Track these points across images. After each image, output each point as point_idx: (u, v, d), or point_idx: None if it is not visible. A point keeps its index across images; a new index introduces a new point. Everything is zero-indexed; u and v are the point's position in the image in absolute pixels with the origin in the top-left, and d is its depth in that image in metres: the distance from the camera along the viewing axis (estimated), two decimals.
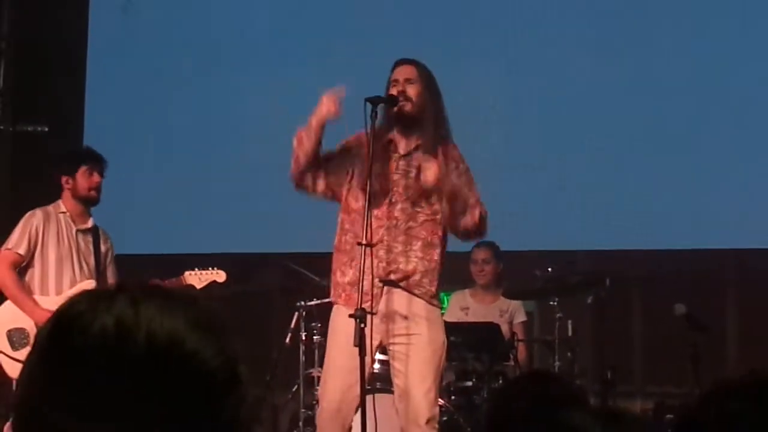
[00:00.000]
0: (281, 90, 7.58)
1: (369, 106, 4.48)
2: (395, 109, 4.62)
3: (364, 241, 4.41)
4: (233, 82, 7.76)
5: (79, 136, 7.89)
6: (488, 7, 7.51)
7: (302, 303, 6.24)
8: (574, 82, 7.24)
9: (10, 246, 5.67)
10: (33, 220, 5.72)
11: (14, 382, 5.52)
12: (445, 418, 5.46)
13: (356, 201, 4.61)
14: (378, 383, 5.26)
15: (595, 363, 6.52)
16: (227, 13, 7.92)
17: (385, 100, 4.59)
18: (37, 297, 5.63)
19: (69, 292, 5.61)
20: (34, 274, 5.68)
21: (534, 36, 7.36)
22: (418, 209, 4.61)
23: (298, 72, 7.54)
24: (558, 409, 2.22)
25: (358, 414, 4.49)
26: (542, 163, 7.23)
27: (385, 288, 4.57)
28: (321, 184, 4.71)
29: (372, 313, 4.41)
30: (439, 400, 4.90)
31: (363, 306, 4.30)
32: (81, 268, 5.71)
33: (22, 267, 5.69)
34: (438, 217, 4.62)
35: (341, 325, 4.47)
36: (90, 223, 5.84)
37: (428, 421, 4.47)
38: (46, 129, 7.80)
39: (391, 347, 4.60)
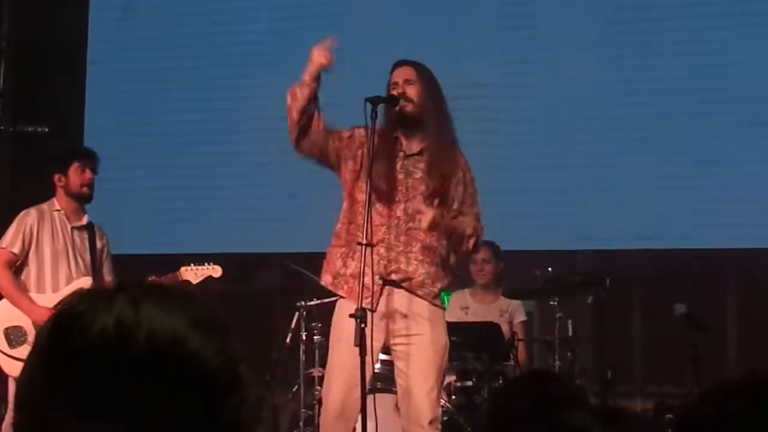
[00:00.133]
0: (281, 90, 7.57)
1: (369, 106, 4.48)
2: (397, 110, 4.61)
3: (364, 241, 4.40)
4: (233, 81, 7.76)
5: (79, 136, 7.90)
6: (489, 8, 7.51)
7: (302, 303, 6.23)
8: (574, 82, 7.23)
9: (4, 245, 5.67)
10: (27, 219, 5.72)
11: (11, 380, 5.53)
12: (445, 418, 5.45)
13: (361, 193, 4.59)
14: (379, 383, 5.26)
15: (595, 363, 6.52)
16: (227, 12, 7.92)
17: (385, 100, 4.59)
18: (33, 295, 5.63)
19: (65, 289, 5.62)
20: (30, 273, 5.68)
21: (534, 36, 7.37)
22: (418, 210, 4.61)
23: (299, 72, 7.53)
24: (558, 409, 2.22)
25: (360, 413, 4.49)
26: (542, 162, 7.23)
27: (387, 287, 4.57)
28: (317, 147, 4.66)
29: (372, 311, 4.42)
30: (441, 400, 4.89)
31: (364, 304, 4.30)
32: (77, 265, 5.72)
33: (17, 266, 5.69)
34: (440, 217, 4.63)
35: (344, 324, 4.46)
36: (85, 220, 5.84)
37: (431, 422, 4.47)
38: (46, 129, 7.81)
39: (394, 347, 4.60)
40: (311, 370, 6.13)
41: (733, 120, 7.00)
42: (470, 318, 6.65)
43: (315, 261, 6.38)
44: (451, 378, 5.98)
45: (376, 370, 4.99)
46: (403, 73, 4.69)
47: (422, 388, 4.49)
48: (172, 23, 8.00)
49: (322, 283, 4.80)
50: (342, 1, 7.83)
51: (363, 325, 4.27)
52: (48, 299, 5.59)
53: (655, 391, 7.05)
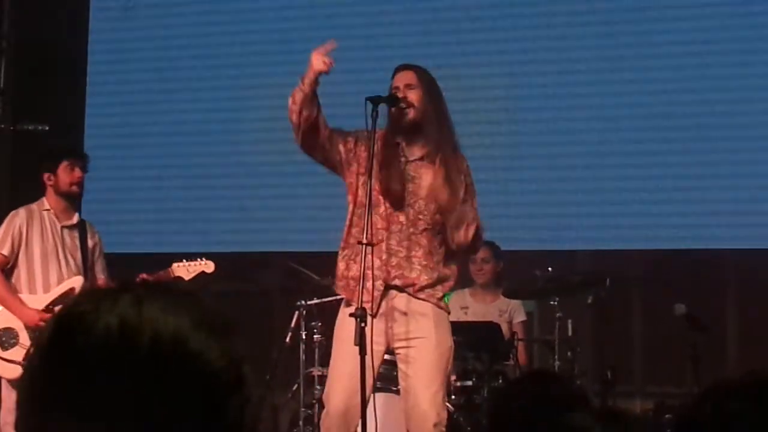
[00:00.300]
0: (282, 89, 7.57)
1: (370, 105, 4.48)
2: (397, 115, 4.60)
3: (365, 240, 4.41)
4: (234, 81, 7.76)
5: (79, 135, 7.90)
6: (491, 9, 7.51)
7: (302, 302, 6.24)
8: (575, 82, 7.23)
9: None
10: (16, 219, 5.70)
11: (4, 382, 5.51)
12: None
13: (365, 197, 4.59)
14: (379, 383, 5.26)
15: (595, 363, 6.52)
16: (228, 12, 7.92)
17: (386, 99, 4.59)
18: (25, 296, 5.61)
19: (56, 289, 5.61)
20: (21, 274, 5.66)
21: (535, 36, 7.36)
22: (420, 217, 4.61)
23: (300, 71, 7.53)
24: (558, 410, 2.22)
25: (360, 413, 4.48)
26: (543, 162, 7.23)
27: (389, 291, 4.57)
28: (329, 157, 4.68)
29: (372, 315, 4.42)
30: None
31: (364, 306, 4.31)
32: (68, 264, 5.69)
33: (8, 268, 5.67)
34: (437, 227, 4.62)
35: (346, 326, 4.46)
36: (75, 219, 5.82)
37: (435, 425, 4.46)
38: (47, 128, 7.80)
39: (397, 350, 4.59)
40: (311, 370, 6.13)
41: (734, 120, 7.00)
42: (470, 318, 6.65)
43: (315, 260, 6.40)
44: (451, 377, 5.98)
45: (379, 371, 4.98)
46: (404, 78, 4.69)
47: (427, 392, 4.48)
48: (172, 22, 8.00)
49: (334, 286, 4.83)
50: (343, 1, 7.82)
51: (363, 324, 4.27)
52: (39, 300, 5.58)
53: (655, 391, 7.05)
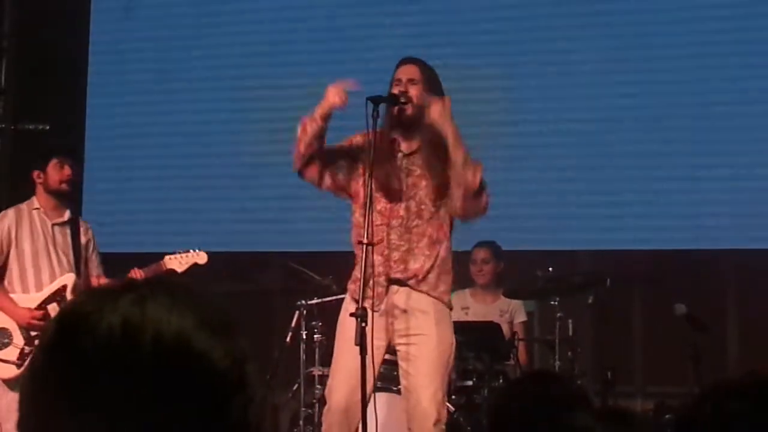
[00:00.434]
0: (283, 90, 7.58)
1: (371, 105, 4.49)
2: (396, 111, 4.63)
3: (365, 240, 4.41)
4: (234, 81, 7.76)
5: (80, 135, 7.90)
6: (491, 8, 7.51)
7: (303, 302, 6.24)
8: (576, 82, 7.24)
9: None
10: (5, 221, 5.68)
11: None
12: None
13: (364, 190, 4.61)
14: (379, 382, 5.26)
15: (596, 363, 6.53)
16: (228, 12, 7.92)
17: (386, 99, 4.60)
18: (19, 295, 5.60)
19: (49, 287, 5.59)
20: (13, 274, 5.64)
21: (535, 36, 7.36)
22: (423, 206, 4.62)
23: (301, 72, 7.54)
24: (559, 409, 2.22)
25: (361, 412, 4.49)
26: (543, 162, 7.23)
27: (393, 287, 4.58)
28: (327, 180, 4.72)
29: (375, 310, 4.43)
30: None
31: (365, 304, 4.32)
32: (59, 261, 5.67)
33: None
34: (442, 211, 4.63)
35: (348, 324, 4.47)
36: (66, 216, 5.77)
37: (435, 423, 4.46)
38: (48, 127, 7.81)
39: (398, 347, 4.60)
40: (311, 369, 6.13)
41: (735, 120, 7.00)
42: (470, 318, 6.65)
43: (316, 260, 6.41)
44: (451, 377, 5.98)
45: (379, 371, 4.99)
46: (407, 72, 4.71)
47: (427, 390, 4.49)
48: (172, 23, 8.00)
49: None
50: (343, 1, 7.82)
51: (363, 324, 4.28)
52: (32, 299, 5.57)
53: (656, 391, 7.05)
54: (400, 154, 4.68)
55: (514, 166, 7.19)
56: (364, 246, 4.41)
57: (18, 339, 5.53)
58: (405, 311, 4.56)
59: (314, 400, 5.96)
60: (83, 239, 5.80)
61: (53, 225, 5.72)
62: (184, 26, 7.96)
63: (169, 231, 7.71)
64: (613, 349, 6.35)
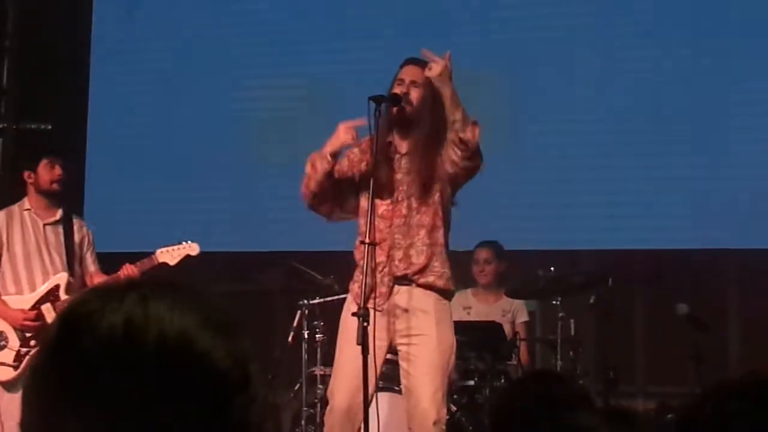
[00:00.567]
0: (284, 90, 7.59)
1: (373, 104, 4.49)
2: (395, 110, 4.63)
3: (367, 240, 4.42)
4: (236, 80, 7.77)
5: (82, 135, 7.91)
6: (492, 8, 7.51)
7: (305, 301, 6.25)
8: (576, 81, 7.24)
9: None
10: None
11: None
12: (447, 417, 5.46)
13: (366, 201, 4.63)
14: (381, 382, 5.26)
15: (597, 363, 6.52)
16: (230, 11, 7.93)
17: (388, 99, 4.61)
18: (13, 297, 5.59)
19: (42, 288, 5.59)
20: (6, 276, 5.64)
21: (535, 35, 7.36)
22: (421, 201, 4.64)
23: (302, 71, 7.55)
24: (561, 409, 2.23)
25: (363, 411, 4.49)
26: (544, 163, 7.23)
27: (395, 287, 4.59)
28: (336, 215, 4.78)
29: (378, 310, 4.44)
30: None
31: (368, 304, 4.32)
32: (52, 261, 5.66)
33: None
34: (437, 196, 4.63)
35: (350, 324, 4.48)
36: (58, 215, 5.75)
37: (435, 423, 4.47)
38: (50, 127, 7.81)
39: (399, 347, 4.61)
40: (313, 369, 6.14)
41: (737, 119, 7.00)
42: (473, 318, 6.65)
43: (318, 260, 6.41)
44: (453, 377, 5.98)
45: (382, 370, 4.99)
46: (410, 73, 4.71)
47: (427, 390, 4.49)
48: (174, 22, 8.00)
49: None
50: (344, 1, 7.83)
51: (366, 324, 4.29)
52: (26, 300, 5.57)
53: (657, 391, 7.05)
54: (397, 156, 4.70)
55: (516, 165, 7.18)
56: (367, 246, 4.42)
57: (13, 341, 5.53)
58: (406, 311, 4.57)
59: (316, 400, 5.96)
60: (77, 237, 5.77)
61: (45, 225, 5.70)
62: (185, 26, 7.97)
63: (171, 230, 7.69)
64: (614, 349, 6.34)
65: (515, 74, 7.34)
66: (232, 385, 1.08)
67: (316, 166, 4.64)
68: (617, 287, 6.11)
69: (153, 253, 5.79)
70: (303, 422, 6.11)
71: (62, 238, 5.71)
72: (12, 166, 7.97)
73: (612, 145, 7.17)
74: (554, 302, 6.23)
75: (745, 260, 7.00)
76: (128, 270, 5.60)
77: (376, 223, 4.50)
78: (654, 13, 7.20)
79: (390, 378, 5.24)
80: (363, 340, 4.27)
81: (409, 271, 4.59)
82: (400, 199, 4.64)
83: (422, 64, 4.74)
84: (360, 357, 4.30)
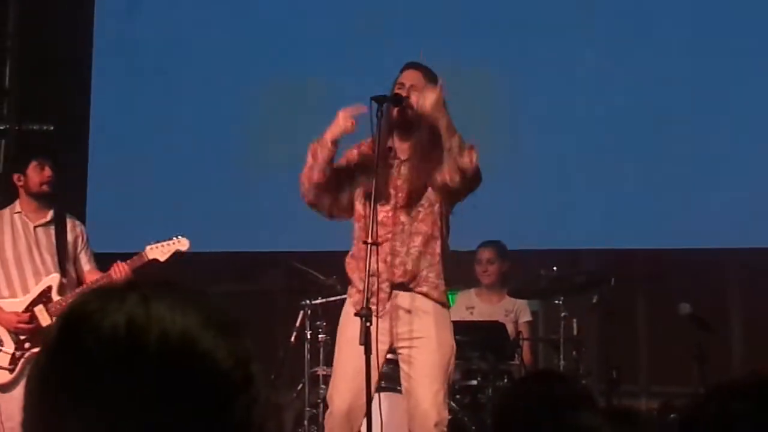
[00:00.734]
0: (286, 90, 7.59)
1: (375, 105, 4.49)
2: (396, 112, 4.62)
3: (369, 240, 4.42)
4: (238, 80, 7.76)
5: (84, 135, 7.90)
6: (493, 7, 7.51)
7: (307, 301, 6.25)
8: (577, 80, 7.23)
9: None
10: None
11: None
12: (449, 417, 5.46)
13: (363, 207, 4.64)
14: (383, 382, 5.26)
15: (600, 362, 6.52)
16: (232, 11, 7.93)
17: (390, 99, 4.60)
18: (6, 300, 5.56)
19: (35, 290, 5.57)
20: None
21: (535, 35, 7.36)
22: (419, 207, 4.63)
23: (303, 71, 7.55)
24: (563, 409, 2.22)
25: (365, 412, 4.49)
26: (547, 162, 7.23)
27: (393, 292, 4.58)
28: (336, 210, 4.74)
29: (378, 316, 4.43)
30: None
31: (369, 307, 4.32)
32: (44, 263, 5.63)
33: None
34: (437, 207, 4.63)
35: (350, 325, 4.48)
36: (49, 216, 5.71)
37: (436, 425, 4.47)
38: (52, 128, 7.81)
39: (399, 350, 4.61)
40: (316, 369, 6.14)
41: (738, 118, 6.99)
42: (476, 318, 6.65)
43: (320, 259, 6.41)
44: (455, 377, 5.98)
45: (382, 371, 4.99)
46: (411, 77, 4.71)
47: (428, 391, 4.49)
48: (176, 22, 8.00)
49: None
50: (345, 1, 7.83)
51: (368, 324, 4.28)
52: (19, 303, 5.55)
53: (660, 391, 7.05)
54: (396, 161, 4.69)
55: (517, 165, 7.18)
56: (369, 246, 4.41)
57: (8, 344, 5.52)
58: (407, 313, 4.57)
59: (319, 400, 5.96)
60: (70, 237, 5.73)
61: (35, 227, 5.67)
62: (187, 26, 7.96)
63: (173, 230, 7.68)
64: (617, 349, 6.34)
65: (515, 74, 7.33)
66: (234, 385, 1.07)
67: (317, 155, 4.62)
68: (620, 287, 6.11)
69: (143, 250, 5.76)
70: (306, 422, 6.11)
71: (54, 239, 5.69)
72: (13, 168, 7.99)
73: (613, 143, 7.16)
74: (557, 302, 6.22)
75: (748, 259, 7.00)
76: (119, 267, 5.58)
77: (376, 230, 4.49)
78: (654, 12, 7.20)
79: (392, 378, 5.24)
80: (366, 340, 4.27)
81: (405, 279, 4.59)
82: (399, 206, 4.63)
83: (422, 68, 4.75)
84: (359, 358, 4.30)
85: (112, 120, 7.97)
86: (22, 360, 5.46)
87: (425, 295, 4.59)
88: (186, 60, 7.89)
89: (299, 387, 6.27)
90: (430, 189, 4.62)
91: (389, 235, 4.58)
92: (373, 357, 4.32)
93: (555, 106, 7.28)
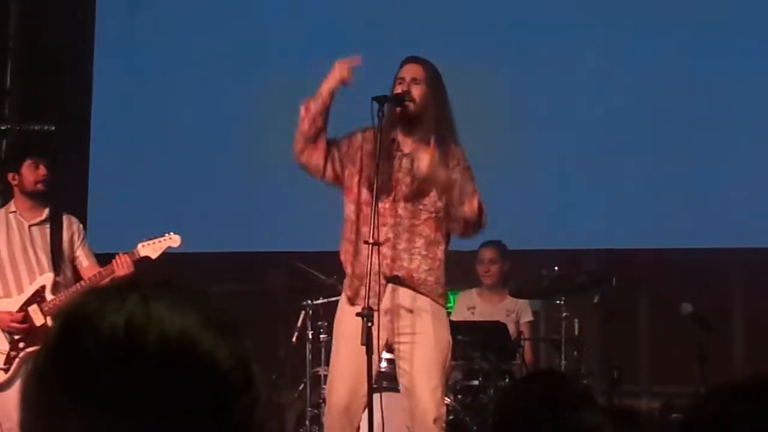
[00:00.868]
0: (287, 89, 7.58)
1: (376, 104, 4.49)
2: (398, 109, 4.63)
3: (371, 240, 4.41)
4: (239, 80, 7.76)
5: (85, 135, 7.90)
6: (493, 7, 7.50)
7: (309, 302, 6.25)
8: (578, 80, 7.23)
9: None
10: None
11: None
12: (451, 417, 5.46)
13: (362, 195, 4.62)
14: (384, 382, 5.26)
15: (602, 362, 6.52)
16: (233, 11, 7.93)
17: (391, 99, 4.60)
18: (0, 300, 5.57)
19: (29, 289, 5.56)
20: None
21: (536, 34, 7.36)
22: (421, 207, 4.62)
23: (304, 70, 7.54)
24: (565, 409, 2.22)
25: (365, 412, 4.49)
26: (548, 162, 7.23)
27: (390, 286, 4.58)
28: (329, 170, 4.68)
29: (375, 310, 4.43)
30: (446, 398, 4.90)
31: (363, 303, 4.32)
32: (38, 262, 5.60)
33: None
34: (440, 214, 4.63)
35: (348, 323, 4.48)
36: (44, 215, 5.68)
37: (435, 421, 4.48)
38: (53, 128, 7.81)
39: (396, 346, 4.61)
40: (317, 369, 6.14)
41: (739, 117, 6.99)
42: (477, 318, 6.65)
43: (321, 260, 6.40)
44: (457, 377, 5.98)
45: (381, 369, 5.00)
46: (411, 71, 4.71)
47: (426, 388, 4.50)
48: (178, 22, 8.00)
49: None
50: (344, 1, 7.83)
51: (370, 324, 4.28)
52: (13, 303, 5.54)
53: (661, 391, 7.05)
54: (399, 154, 4.68)
55: (519, 165, 7.18)
56: (370, 245, 4.41)
57: (3, 344, 5.52)
58: (404, 310, 4.57)
59: (320, 400, 5.96)
60: (66, 235, 5.70)
61: (30, 226, 5.65)
62: (187, 26, 7.96)
63: (173, 230, 7.69)
64: (618, 349, 6.34)
65: (515, 74, 7.33)
66: (234, 385, 1.07)
67: (309, 107, 4.60)
68: (621, 287, 6.11)
69: (134, 248, 5.72)
70: (307, 422, 6.11)
71: (49, 238, 5.67)
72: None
73: (614, 143, 7.16)
74: (558, 302, 6.22)
75: (749, 259, 6.99)
76: (122, 260, 5.55)
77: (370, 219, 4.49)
78: (654, 13, 7.19)
79: (393, 378, 5.24)
80: (367, 340, 4.27)
81: (400, 275, 4.58)
82: (397, 198, 4.63)
83: (422, 61, 4.75)
84: (357, 356, 4.30)
85: (113, 120, 7.97)
86: (17, 360, 5.45)
87: (425, 294, 4.59)
88: (186, 60, 7.89)
89: (301, 387, 6.28)
90: (434, 191, 4.61)
91: (386, 228, 4.56)
92: (374, 355, 4.33)
93: (555, 106, 7.28)
